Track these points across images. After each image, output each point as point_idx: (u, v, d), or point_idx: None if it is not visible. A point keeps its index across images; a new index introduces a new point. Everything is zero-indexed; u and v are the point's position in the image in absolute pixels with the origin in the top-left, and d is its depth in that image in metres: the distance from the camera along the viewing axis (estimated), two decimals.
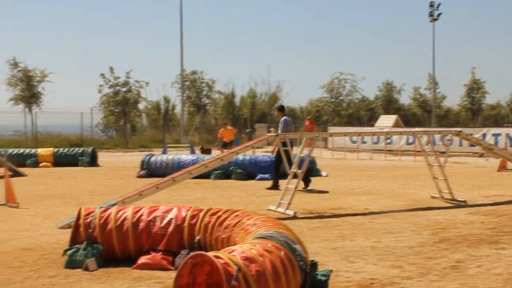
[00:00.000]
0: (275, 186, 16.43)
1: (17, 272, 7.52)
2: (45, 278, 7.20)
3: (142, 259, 7.73)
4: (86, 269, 7.52)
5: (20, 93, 44.23)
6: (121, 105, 45.44)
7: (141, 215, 8.10)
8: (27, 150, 27.18)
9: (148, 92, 67.55)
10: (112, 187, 17.39)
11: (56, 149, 27.16)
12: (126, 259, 7.90)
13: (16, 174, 20.80)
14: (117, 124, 48.57)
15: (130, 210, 8.19)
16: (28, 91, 44.11)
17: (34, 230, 10.52)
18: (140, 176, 20.41)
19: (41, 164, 25.63)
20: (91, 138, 44.67)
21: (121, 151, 40.06)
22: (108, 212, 8.19)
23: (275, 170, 16.85)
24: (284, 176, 16.13)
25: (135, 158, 29.79)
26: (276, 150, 16.75)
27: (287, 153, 13.63)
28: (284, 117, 17.02)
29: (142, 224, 8.00)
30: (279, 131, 16.65)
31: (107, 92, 46.23)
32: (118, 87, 46.03)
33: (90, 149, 27.01)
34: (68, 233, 8.54)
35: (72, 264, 7.67)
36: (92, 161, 26.10)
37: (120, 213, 8.16)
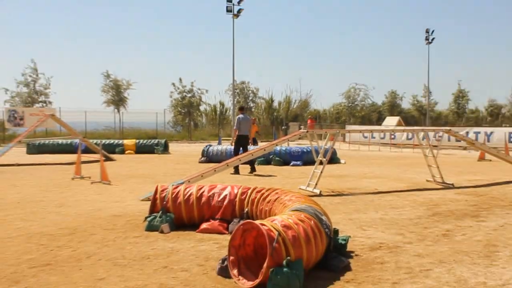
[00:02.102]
0: (237, 171, 16.33)
1: (110, 233, 7.65)
2: (131, 238, 7.30)
3: (204, 225, 7.78)
4: (162, 232, 7.60)
5: (110, 98, 44.89)
6: (187, 107, 45.78)
7: (203, 192, 8.16)
8: (116, 141, 27.55)
9: (207, 98, 67.94)
10: (180, 170, 17.51)
11: (137, 141, 27.45)
12: (191, 225, 7.97)
13: (108, 159, 21.11)
14: (183, 122, 48.89)
15: (195, 188, 8.25)
16: (117, 96, 44.75)
17: (122, 201, 10.68)
18: (201, 162, 20.52)
19: (126, 152, 25.91)
20: (163, 132, 44.95)
21: (186, 142, 40.27)
22: (178, 188, 8.26)
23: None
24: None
25: (197, 148, 29.97)
26: (234, 141, 17.21)
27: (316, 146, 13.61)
28: (238, 116, 17.12)
29: (204, 199, 8.05)
30: (233, 127, 17.34)
31: (176, 97, 46.60)
32: (185, 93, 46.35)
33: (163, 141, 27.22)
34: (147, 204, 8.65)
35: (151, 228, 7.76)
36: (165, 150, 26.31)
37: (187, 190, 8.22)
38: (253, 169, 16.52)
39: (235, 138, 16.94)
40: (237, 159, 12.57)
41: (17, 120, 36.10)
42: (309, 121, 41.90)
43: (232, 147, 17.62)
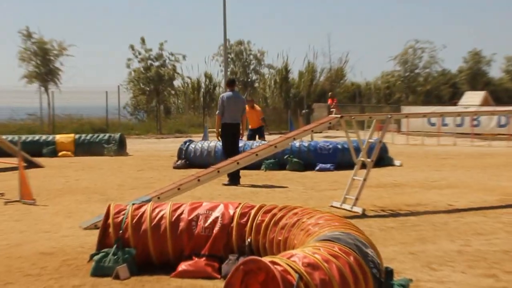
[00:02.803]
0: (234, 179, 16.34)
1: (35, 281, 7.63)
2: None
3: (183, 266, 7.77)
4: (117, 277, 7.58)
5: (34, 70, 44.55)
6: (154, 83, 45.57)
7: (181, 213, 8.14)
8: (44, 137, 27.49)
9: (185, 67, 67.66)
10: (145, 179, 17.55)
11: (77, 136, 27.42)
12: (163, 265, 7.96)
13: (32, 165, 21.07)
14: (148, 106, 48.81)
15: (168, 208, 8.24)
16: (44, 67, 44.34)
17: (54, 231, 10.66)
18: (177, 167, 20.52)
19: (60, 153, 25.88)
20: (118, 122, 44.69)
21: (153, 137, 40.30)
22: (142, 209, 8.25)
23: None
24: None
25: (171, 145, 29.98)
26: (219, 134, 17.18)
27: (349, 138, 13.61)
28: (222, 94, 17.44)
29: (182, 224, 8.04)
30: (217, 111, 17.18)
31: (137, 67, 46.37)
32: (150, 61, 46.15)
33: (117, 135, 27.20)
34: (94, 234, 8.64)
35: (100, 271, 7.75)
36: (120, 149, 26.27)
37: (156, 210, 8.21)
38: (234, 180, 16.39)
39: (218, 129, 16.94)
40: (234, 161, 12.56)
41: None
42: (329, 101, 42.00)
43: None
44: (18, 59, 44.25)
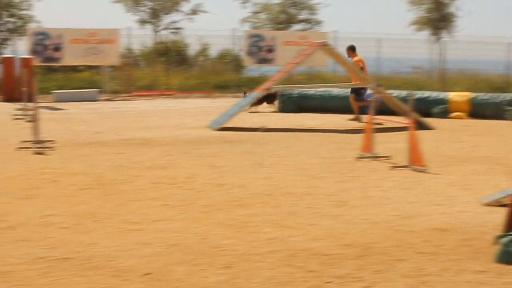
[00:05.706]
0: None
1: (430, 260, 7.72)
2: (469, 273, 7.28)
3: None
4: None
5: (425, 15, 44.45)
6: None
7: None
8: (434, 94, 27.56)
9: None
10: None
11: (473, 95, 27.14)
12: None
13: (420, 126, 21.16)
14: None
15: None
16: (437, 11, 44.13)
17: (448, 204, 10.72)
18: None
19: (453, 114, 25.79)
20: None
21: None
22: None
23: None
24: None
25: None
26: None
27: None
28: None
29: None
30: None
31: None
32: None
33: None
34: (498, 212, 8.51)
35: (506, 257, 7.63)
36: None
37: None
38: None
39: None
40: None
41: (263, 52, 38.08)
42: None
43: None
44: (407, 2, 44.53)
